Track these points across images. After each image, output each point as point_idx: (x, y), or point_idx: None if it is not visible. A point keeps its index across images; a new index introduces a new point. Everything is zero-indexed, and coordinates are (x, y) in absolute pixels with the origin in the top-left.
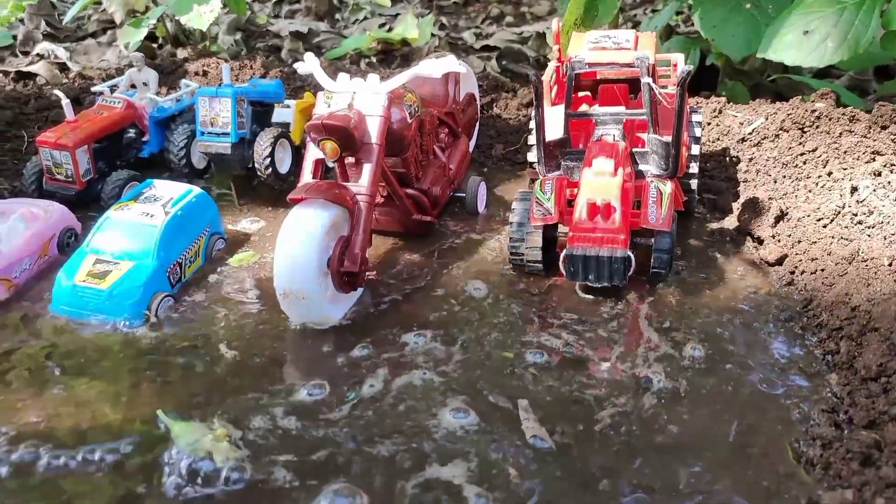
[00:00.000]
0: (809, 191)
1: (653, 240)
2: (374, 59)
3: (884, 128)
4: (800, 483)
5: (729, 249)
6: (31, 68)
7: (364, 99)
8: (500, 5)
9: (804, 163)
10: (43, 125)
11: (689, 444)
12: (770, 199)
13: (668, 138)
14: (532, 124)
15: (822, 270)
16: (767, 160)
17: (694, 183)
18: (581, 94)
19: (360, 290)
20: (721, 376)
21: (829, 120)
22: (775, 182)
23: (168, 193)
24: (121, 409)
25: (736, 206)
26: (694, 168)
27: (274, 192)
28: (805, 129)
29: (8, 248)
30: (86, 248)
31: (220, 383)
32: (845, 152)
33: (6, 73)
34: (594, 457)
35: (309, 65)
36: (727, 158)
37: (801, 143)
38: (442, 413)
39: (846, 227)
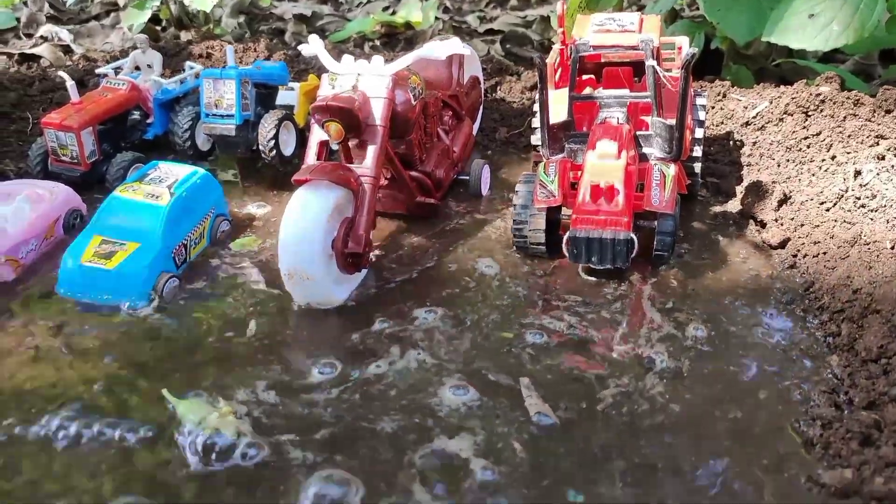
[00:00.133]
0: (813, 174)
1: (656, 222)
2: (377, 43)
3: (888, 112)
4: (800, 462)
5: (732, 232)
6: (35, 50)
7: (368, 81)
8: None
9: (808, 146)
10: (47, 107)
11: (690, 423)
12: (773, 182)
13: (672, 121)
14: (536, 107)
15: (825, 253)
16: (771, 144)
17: (697, 166)
18: (585, 76)
19: (364, 271)
20: (723, 357)
21: (834, 104)
22: (779, 166)
23: (173, 175)
24: (127, 388)
25: (739, 190)
26: (697, 151)
27: (279, 175)
28: (809, 113)
29: (14, 228)
30: (91, 229)
31: (225, 363)
32: (849, 136)
33: (10, 56)
34: (597, 435)
35: (313, 47)
36: (731, 142)
37: (805, 127)
38: (443, 391)
39: (849, 210)
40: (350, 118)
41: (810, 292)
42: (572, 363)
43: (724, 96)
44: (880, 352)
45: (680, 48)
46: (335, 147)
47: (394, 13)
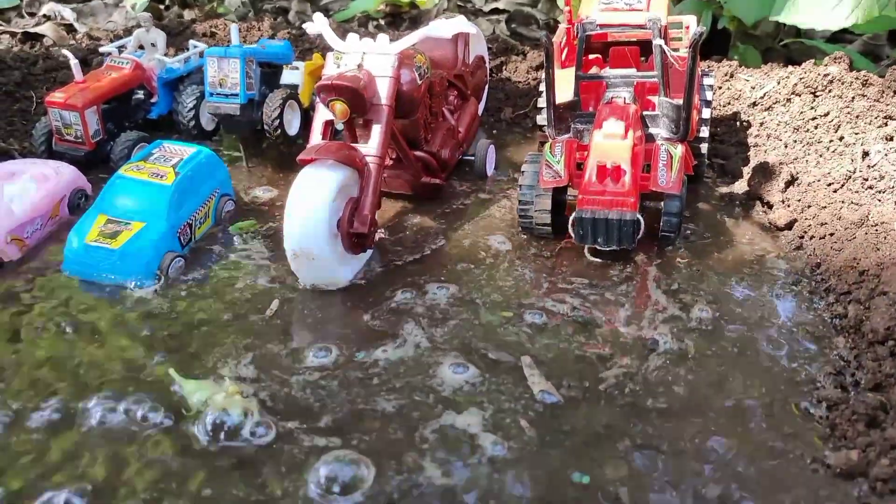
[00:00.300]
0: (820, 155)
1: (662, 203)
2: (382, 22)
3: None
4: (805, 443)
5: (738, 213)
6: (38, 29)
7: (374, 60)
8: None
9: (815, 127)
10: (51, 86)
11: (695, 404)
12: (780, 163)
13: (679, 101)
14: (542, 87)
15: (832, 235)
16: (778, 124)
17: (704, 147)
18: (592, 56)
19: (369, 251)
20: (728, 338)
21: (842, 84)
22: (786, 146)
23: (177, 154)
24: (133, 367)
25: (746, 171)
26: (704, 132)
27: (284, 157)
28: (817, 94)
29: (19, 208)
30: (96, 208)
31: (230, 343)
32: (857, 117)
33: (13, 34)
34: (601, 414)
35: (318, 25)
36: (738, 123)
37: (812, 108)
38: (447, 369)
39: (857, 191)
40: (355, 97)
41: (817, 274)
42: (575, 344)
43: (732, 76)
44: (887, 333)
45: (687, 27)
46: (340, 127)
47: None
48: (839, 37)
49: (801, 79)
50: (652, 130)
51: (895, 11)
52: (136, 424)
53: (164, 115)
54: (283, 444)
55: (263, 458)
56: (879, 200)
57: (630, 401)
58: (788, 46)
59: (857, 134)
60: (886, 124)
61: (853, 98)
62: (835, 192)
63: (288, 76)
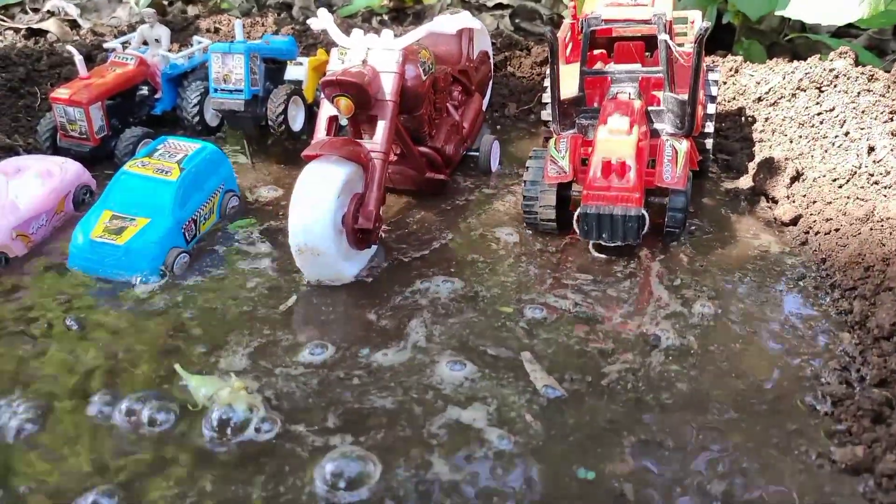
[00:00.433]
0: (826, 151)
1: (667, 199)
2: (385, 17)
3: None
4: (810, 439)
5: (743, 209)
6: (42, 25)
7: (378, 55)
8: None
9: (821, 122)
10: (56, 82)
11: (699, 400)
12: (786, 159)
13: (684, 96)
14: (547, 82)
15: (837, 230)
16: (784, 120)
17: (709, 142)
18: (596, 51)
19: (374, 247)
20: (732, 334)
21: (848, 79)
22: (791, 142)
23: (182, 150)
24: (138, 363)
25: (751, 166)
26: (709, 127)
27: (289, 153)
28: (823, 89)
29: (25, 204)
30: (102, 204)
31: (235, 339)
32: (863, 112)
33: (17, 30)
34: (604, 410)
35: (322, 21)
36: (743, 118)
37: (818, 103)
38: (451, 366)
39: (862, 187)
40: (360, 93)
41: (822, 269)
42: (575, 339)
43: (737, 72)
44: (893, 329)
45: (692, 22)
46: (345, 122)
47: None
48: (844, 31)
49: (806, 74)
50: (657, 126)
51: None
52: (141, 420)
53: (168, 111)
54: (288, 439)
55: (269, 454)
56: (885, 196)
57: (634, 396)
58: (793, 41)
59: (862, 129)
60: (892, 119)
61: (859, 93)
62: (840, 187)
63: (292, 72)
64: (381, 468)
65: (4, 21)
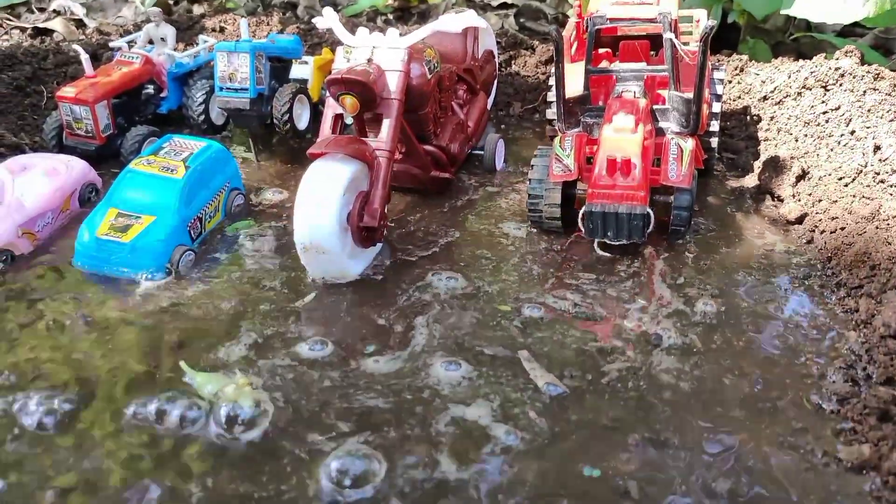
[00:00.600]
0: (831, 149)
1: (672, 197)
2: (390, 17)
3: None
4: (816, 438)
5: (749, 207)
6: (48, 24)
7: (384, 54)
8: None
9: (826, 121)
10: (62, 80)
11: (704, 398)
12: (791, 157)
13: (690, 95)
14: (552, 81)
15: (843, 229)
16: (789, 118)
17: (714, 141)
18: (602, 50)
19: (378, 245)
20: (739, 332)
21: (853, 78)
22: (797, 140)
23: (188, 149)
24: (144, 360)
25: (757, 165)
26: (714, 126)
27: (294, 151)
28: (828, 87)
29: (31, 202)
30: (107, 202)
31: (241, 336)
32: (869, 110)
33: (23, 30)
34: (606, 408)
35: (327, 20)
36: (748, 117)
37: (823, 102)
38: (456, 364)
39: (868, 185)
40: (365, 91)
41: (828, 268)
42: (585, 338)
43: (742, 70)
44: None
45: (698, 21)
46: (350, 121)
47: None
48: (850, 30)
49: (812, 72)
50: (662, 124)
51: None
52: (147, 416)
53: (173, 109)
54: (293, 436)
55: (274, 451)
56: (891, 194)
57: (636, 394)
58: (799, 40)
59: (868, 128)
60: None
61: (864, 92)
62: (846, 186)
63: (297, 70)
64: (387, 466)
65: (10, 20)
